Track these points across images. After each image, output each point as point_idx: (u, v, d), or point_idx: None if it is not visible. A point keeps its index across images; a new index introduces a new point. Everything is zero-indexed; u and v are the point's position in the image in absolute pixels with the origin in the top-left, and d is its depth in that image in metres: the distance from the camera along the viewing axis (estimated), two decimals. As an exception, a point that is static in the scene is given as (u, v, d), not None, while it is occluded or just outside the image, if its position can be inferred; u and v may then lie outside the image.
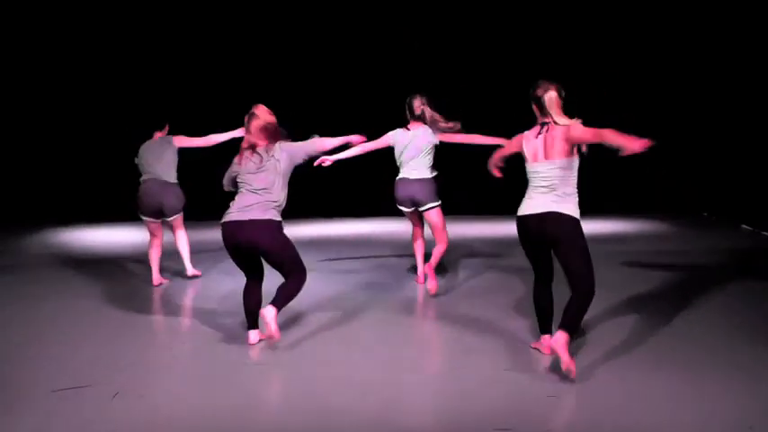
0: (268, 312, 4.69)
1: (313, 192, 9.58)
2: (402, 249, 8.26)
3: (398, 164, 6.41)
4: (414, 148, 6.31)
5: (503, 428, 3.52)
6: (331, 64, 11.17)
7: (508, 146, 4.75)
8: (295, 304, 6.00)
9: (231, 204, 4.89)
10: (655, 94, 11.40)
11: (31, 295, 6.34)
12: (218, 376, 4.31)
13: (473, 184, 11.27)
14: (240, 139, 5.06)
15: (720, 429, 3.50)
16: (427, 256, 6.49)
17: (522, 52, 11.07)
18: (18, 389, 4.09)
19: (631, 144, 4.09)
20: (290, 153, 4.91)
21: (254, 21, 10.98)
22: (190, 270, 7.02)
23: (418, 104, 6.34)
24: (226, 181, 5.06)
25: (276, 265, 4.92)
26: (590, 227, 10.38)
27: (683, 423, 3.56)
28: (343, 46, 11.12)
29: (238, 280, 6.84)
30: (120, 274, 7.16)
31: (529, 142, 4.53)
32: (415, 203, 6.34)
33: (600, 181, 11.46)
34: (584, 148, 4.46)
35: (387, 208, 10.30)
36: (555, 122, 4.43)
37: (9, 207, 10.91)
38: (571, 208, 4.44)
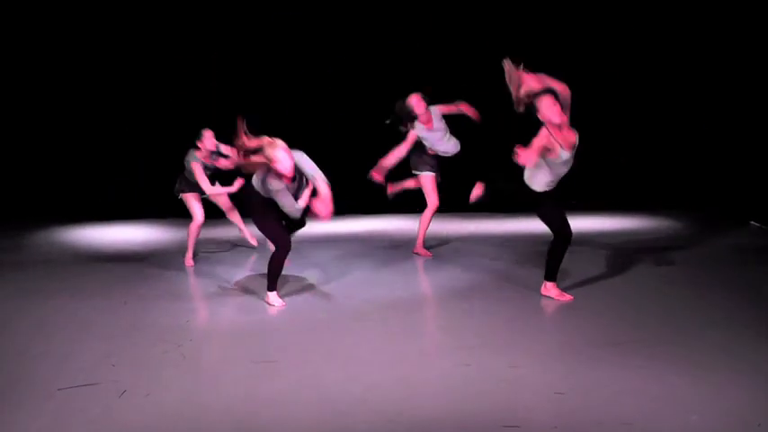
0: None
1: (337, 188, 9.56)
2: (409, 246, 8.25)
3: None
4: None
5: (511, 425, 3.51)
6: (330, 67, 11.12)
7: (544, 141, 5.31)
8: (302, 302, 6.02)
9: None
10: (663, 90, 11.34)
11: (39, 292, 6.35)
12: (225, 374, 4.30)
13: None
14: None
15: (730, 427, 3.48)
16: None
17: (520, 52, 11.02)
18: (24, 386, 4.09)
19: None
20: None
21: (253, 22, 10.97)
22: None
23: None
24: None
25: None
26: (598, 222, 10.34)
27: (692, 421, 3.54)
28: (344, 50, 11.08)
29: (245, 277, 6.87)
30: (127, 272, 7.17)
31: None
32: None
33: (608, 176, 11.44)
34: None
35: (394, 204, 10.32)
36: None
37: (19, 204, 10.93)
38: None
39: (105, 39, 10.79)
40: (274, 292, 5.86)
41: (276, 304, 5.80)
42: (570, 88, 5.52)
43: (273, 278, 5.84)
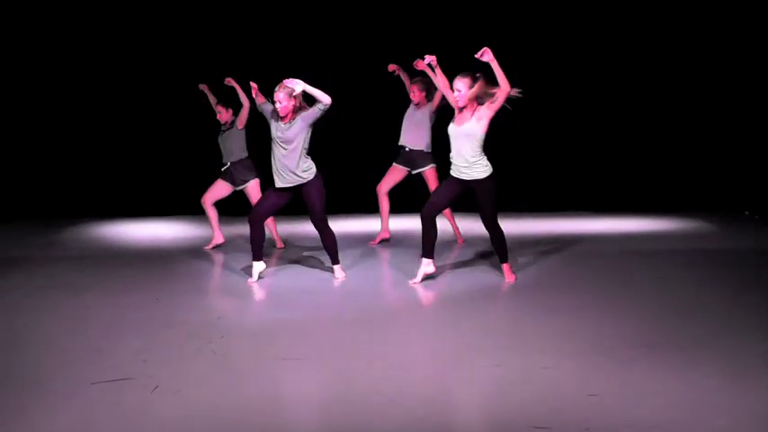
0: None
1: (338, 188, 9.57)
2: (439, 245, 8.23)
3: None
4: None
5: (541, 427, 3.49)
6: (330, 67, 11.09)
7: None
8: (331, 300, 6.03)
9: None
10: (692, 91, 11.22)
11: (71, 288, 6.41)
12: (255, 370, 4.32)
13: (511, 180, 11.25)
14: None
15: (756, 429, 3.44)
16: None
17: (520, 53, 10.95)
18: (58, 380, 4.15)
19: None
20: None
21: (253, 22, 10.98)
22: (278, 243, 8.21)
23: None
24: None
25: None
26: (627, 224, 10.24)
27: (720, 425, 3.50)
28: (344, 50, 11.04)
29: (276, 274, 6.89)
30: (158, 268, 7.23)
31: None
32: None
33: (637, 177, 11.34)
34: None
35: (414, 204, 10.29)
36: None
37: (55, 199, 11.07)
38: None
39: (109, 41, 10.87)
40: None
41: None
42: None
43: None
